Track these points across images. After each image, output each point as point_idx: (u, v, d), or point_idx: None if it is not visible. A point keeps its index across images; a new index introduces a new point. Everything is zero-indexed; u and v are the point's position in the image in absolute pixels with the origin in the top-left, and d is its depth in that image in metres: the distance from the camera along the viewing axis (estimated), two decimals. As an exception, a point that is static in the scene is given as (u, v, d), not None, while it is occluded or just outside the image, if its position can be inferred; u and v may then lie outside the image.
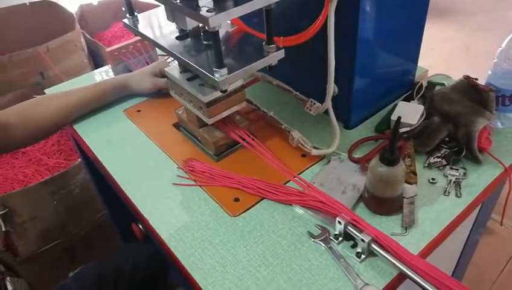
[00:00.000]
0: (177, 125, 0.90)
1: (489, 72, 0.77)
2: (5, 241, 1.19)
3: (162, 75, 0.97)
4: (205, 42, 0.73)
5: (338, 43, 0.70)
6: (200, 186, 0.75)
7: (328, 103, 0.75)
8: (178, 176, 0.78)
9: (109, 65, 1.11)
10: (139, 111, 0.95)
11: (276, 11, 0.64)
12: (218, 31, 0.59)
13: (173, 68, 0.81)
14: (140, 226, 0.86)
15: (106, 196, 1.20)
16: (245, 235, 0.66)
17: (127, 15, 0.80)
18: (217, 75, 0.63)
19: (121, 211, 0.89)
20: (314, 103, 0.78)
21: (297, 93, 0.82)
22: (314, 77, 0.82)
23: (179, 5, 0.62)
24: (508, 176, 0.72)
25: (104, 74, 1.12)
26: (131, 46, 1.09)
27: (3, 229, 1.15)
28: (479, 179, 0.71)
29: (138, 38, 1.08)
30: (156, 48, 1.01)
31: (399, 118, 0.59)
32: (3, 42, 1.84)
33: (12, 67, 1.56)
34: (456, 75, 0.93)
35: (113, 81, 0.97)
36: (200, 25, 0.74)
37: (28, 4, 1.92)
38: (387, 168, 0.62)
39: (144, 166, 0.82)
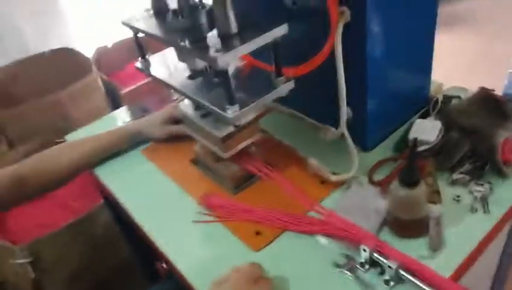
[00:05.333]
0: (194, 161, 0.91)
1: (506, 82, 0.76)
2: (33, 287, 1.21)
3: (175, 120, 0.97)
4: (216, 79, 0.74)
5: (347, 65, 0.70)
6: (221, 222, 0.75)
7: (343, 128, 0.75)
8: (198, 212, 0.78)
9: (126, 106, 1.14)
10: (155, 150, 0.97)
11: (282, 41, 0.65)
12: (227, 70, 0.60)
13: (187, 106, 0.82)
14: (164, 265, 0.86)
15: (129, 236, 1.21)
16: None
17: (139, 58, 0.83)
18: (229, 111, 0.64)
19: (144, 250, 0.90)
20: (329, 129, 0.78)
21: (311, 120, 0.82)
22: (326, 102, 0.81)
23: (188, 47, 0.63)
24: (537, 187, 0.69)
25: (121, 116, 1.15)
26: (145, 86, 1.11)
27: (33, 275, 1.17)
28: (506, 192, 0.68)
29: (152, 78, 1.11)
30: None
31: (415, 139, 0.58)
32: (26, 90, 1.92)
33: (35, 114, 1.61)
34: (473, 85, 0.91)
35: (126, 129, 0.98)
36: (209, 62, 0.76)
37: (47, 52, 2.00)
38: (407, 190, 0.61)
39: (164, 204, 0.82)
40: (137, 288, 1.35)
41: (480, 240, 0.62)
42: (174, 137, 0.96)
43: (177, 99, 1.13)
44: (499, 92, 0.77)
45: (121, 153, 0.98)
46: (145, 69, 0.82)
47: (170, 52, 0.85)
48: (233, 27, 0.62)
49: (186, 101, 0.84)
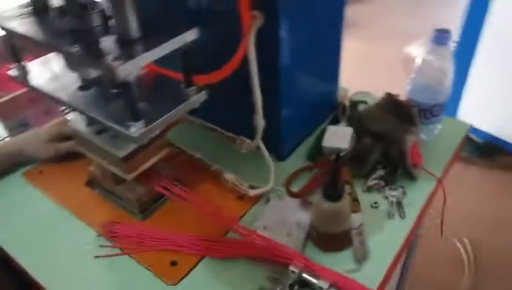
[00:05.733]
0: (90, 183, 0.79)
1: (408, 88, 0.79)
2: None
3: (64, 137, 0.83)
4: (114, 90, 0.64)
5: (259, 72, 0.65)
6: (128, 254, 0.65)
7: (258, 140, 0.70)
8: (100, 246, 0.67)
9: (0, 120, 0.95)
10: (41, 172, 0.82)
11: (192, 47, 0.58)
12: (129, 81, 0.51)
13: (78, 120, 0.70)
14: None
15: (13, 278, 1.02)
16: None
17: (13, 64, 0.68)
18: (132, 129, 0.55)
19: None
20: (244, 140, 0.73)
21: (224, 131, 0.76)
22: (238, 111, 0.76)
23: (79, 54, 0.53)
24: (442, 186, 0.73)
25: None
26: (24, 97, 0.94)
27: None
28: (417, 195, 0.71)
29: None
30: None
31: (338, 151, 0.56)
32: None
33: None
34: (362, 85, 0.95)
35: (4, 149, 0.81)
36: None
37: None
38: (332, 204, 0.59)
39: (55, 240, 0.69)
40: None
41: (400, 246, 0.63)
42: (64, 156, 0.82)
43: (64, 111, 0.98)
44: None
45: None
46: (22, 78, 0.68)
47: (56, 57, 0.72)
48: (135, 31, 0.53)
49: (77, 115, 0.71)
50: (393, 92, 0.81)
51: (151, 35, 0.55)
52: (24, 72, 0.68)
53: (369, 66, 2.68)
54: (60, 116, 0.95)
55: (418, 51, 2.70)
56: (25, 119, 0.94)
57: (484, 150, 1.94)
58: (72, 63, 0.63)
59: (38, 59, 0.72)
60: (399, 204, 0.68)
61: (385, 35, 3.05)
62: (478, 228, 1.64)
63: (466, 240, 1.58)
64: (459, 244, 1.57)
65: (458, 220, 1.64)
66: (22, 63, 0.68)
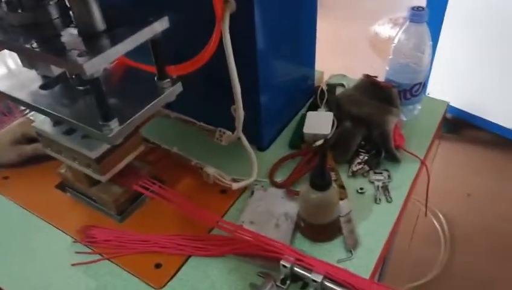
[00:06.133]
0: (61, 187, 0.74)
1: (387, 68, 0.77)
2: None
3: (28, 139, 0.78)
4: (80, 87, 0.59)
5: (235, 60, 0.62)
6: (108, 259, 0.62)
7: (239, 131, 0.67)
8: (76, 252, 0.63)
9: (-48, 124, 0.88)
10: (6, 178, 0.76)
11: (164, 37, 0.54)
12: (98, 78, 0.47)
13: (43, 121, 0.65)
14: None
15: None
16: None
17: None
18: (105, 129, 0.51)
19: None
20: (224, 132, 0.70)
21: (202, 123, 0.73)
22: (215, 102, 0.73)
23: (37, 51, 0.48)
24: (425, 167, 0.72)
25: None
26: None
27: None
28: (402, 178, 0.70)
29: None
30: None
31: (326, 140, 0.54)
32: None
33: None
34: (331, 64, 0.93)
35: None
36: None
37: None
38: (320, 194, 0.57)
39: (27, 249, 0.64)
40: None
41: (390, 232, 0.62)
42: (31, 159, 0.77)
43: (25, 110, 0.92)
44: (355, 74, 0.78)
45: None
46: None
47: (9, 54, 0.66)
48: (100, 23, 0.48)
49: (41, 115, 0.66)
50: (364, 71, 0.80)
51: (117, 27, 0.50)
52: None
53: (337, 47, 2.68)
54: (22, 117, 0.88)
55: (383, 29, 2.73)
56: (-18, 122, 0.87)
57: (452, 125, 1.98)
58: (29, 61, 0.58)
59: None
60: (385, 188, 0.68)
61: (350, 16, 3.04)
62: (449, 202, 1.68)
63: (441, 215, 1.62)
64: (435, 221, 1.61)
65: (431, 196, 1.67)
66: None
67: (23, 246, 0.65)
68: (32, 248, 0.65)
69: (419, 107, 0.81)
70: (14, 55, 0.63)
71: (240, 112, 0.65)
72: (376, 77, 0.78)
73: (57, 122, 0.64)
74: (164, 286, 0.58)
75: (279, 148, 0.78)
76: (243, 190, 0.70)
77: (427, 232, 1.59)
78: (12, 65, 0.65)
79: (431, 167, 0.72)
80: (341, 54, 2.54)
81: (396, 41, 0.74)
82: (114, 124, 0.51)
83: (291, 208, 0.65)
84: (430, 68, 1.82)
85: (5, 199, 0.72)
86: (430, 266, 1.49)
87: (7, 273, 0.61)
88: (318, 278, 0.53)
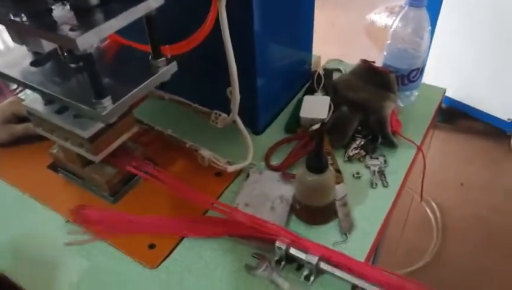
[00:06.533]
0: (53, 167, 0.73)
1: (385, 54, 0.77)
2: None
3: (19, 118, 0.76)
4: (73, 65, 0.58)
5: (232, 43, 0.61)
6: (102, 239, 0.61)
7: (235, 114, 0.66)
8: (69, 232, 0.62)
9: None
10: (-2, 158, 0.75)
11: (159, 15, 0.52)
12: (91, 53, 0.45)
13: (34, 100, 0.63)
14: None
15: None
16: (173, 289, 0.55)
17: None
18: (99, 107, 0.50)
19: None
20: (219, 115, 0.69)
21: (197, 105, 0.72)
22: (210, 84, 0.72)
23: (27, 25, 0.46)
24: (422, 154, 0.72)
25: None
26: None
27: None
28: (398, 163, 0.70)
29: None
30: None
31: (323, 122, 0.53)
32: None
33: None
34: (327, 53, 0.92)
35: None
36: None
37: None
38: (317, 177, 0.57)
39: (20, 229, 0.64)
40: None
41: (385, 216, 0.62)
42: (22, 139, 0.75)
43: (16, 90, 0.90)
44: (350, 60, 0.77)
45: None
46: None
47: None
48: (93, -4, 0.47)
49: (32, 94, 0.65)
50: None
51: (111, 2, 0.49)
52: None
53: (332, 35, 2.66)
54: (12, 96, 0.87)
55: (380, 18, 2.71)
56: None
57: (447, 115, 1.99)
58: (19, 36, 0.56)
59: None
60: (381, 173, 0.67)
61: (346, 4, 3.02)
62: (443, 191, 1.69)
63: (434, 204, 1.63)
64: (427, 210, 1.62)
65: (425, 184, 1.68)
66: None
67: (16, 225, 0.64)
68: (25, 227, 0.64)
69: (417, 94, 0.81)
70: (4, 31, 0.61)
71: (236, 94, 0.64)
72: (373, 62, 0.77)
73: (48, 101, 0.62)
74: (158, 266, 0.57)
75: (275, 132, 0.77)
76: (238, 173, 0.69)
77: (419, 221, 1.60)
78: (0, 43, 0.64)
79: (426, 156, 0.71)
80: (337, 42, 2.52)
81: (394, 26, 0.73)
82: (107, 102, 0.50)
83: (287, 191, 0.65)
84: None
85: (-5, 179, 0.71)
86: (421, 253, 1.51)
87: (1, 253, 0.60)
88: (313, 260, 0.53)
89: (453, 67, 1.85)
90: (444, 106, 1.97)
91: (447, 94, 1.92)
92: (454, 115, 1.98)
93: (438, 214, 1.60)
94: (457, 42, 1.78)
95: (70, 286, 0.56)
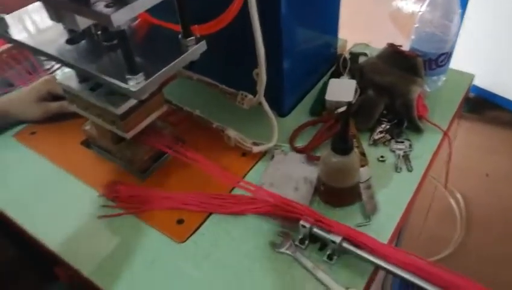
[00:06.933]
0: (86, 143, 0.75)
1: (412, 37, 0.76)
2: None
3: (53, 96, 0.79)
4: (106, 43, 0.59)
5: (259, 23, 0.61)
6: (132, 213, 0.63)
7: (261, 95, 0.67)
8: (102, 205, 0.65)
9: (-20, 81, 0.90)
10: (33, 133, 0.78)
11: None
12: (124, 30, 0.47)
13: (69, 78, 0.66)
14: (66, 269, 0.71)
15: (13, 238, 1.00)
16: (200, 262, 0.57)
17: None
18: (131, 83, 0.51)
19: (36, 252, 0.73)
20: (246, 96, 0.70)
21: (224, 86, 0.73)
22: (237, 65, 0.73)
23: (64, 0, 0.48)
24: (448, 139, 0.72)
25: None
26: (4, 55, 0.88)
27: None
28: (424, 148, 0.69)
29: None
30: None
31: (349, 103, 0.53)
32: None
33: None
34: (352, 40, 0.91)
35: None
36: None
37: None
38: (342, 158, 0.57)
39: (56, 200, 0.67)
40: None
41: (409, 200, 0.62)
42: (56, 116, 0.78)
43: (50, 69, 0.93)
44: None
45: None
46: (3, 33, 0.62)
47: (36, 10, 0.66)
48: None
49: (67, 72, 0.67)
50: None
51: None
52: (3, 26, 0.62)
53: (357, 22, 2.62)
54: (46, 74, 0.90)
55: (406, 4, 2.65)
56: (8, 79, 0.89)
57: (473, 104, 1.94)
58: (57, 13, 0.58)
59: (16, 12, 0.66)
60: (406, 157, 0.67)
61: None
62: (468, 182, 1.67)
63: (458, 195, 1.61)
64: (451, 200, 1.60)
65: (449, 175, 1.66)
66: (1, 15, 0.63)
67: (52, 197, 0.67)
68: (60, 200, 0.67)
69: (444, 79, 0.80)
70: (41, 11, 0.64)
71: (262, 75, 0.64)
72: (400, 46, 0.76)
73: (82, 78, 0.65)
74: (186, 240, 0.59)
75: (300, 115, 0.78)
76: (263, 153, 0.71)
77: (443, 211, 1.58)
78: (37, 21, 0.66)
79: (451, 143, 0.71)
80: (362, 29, 2.48)
81: (423, 8, 0.72)
82: (140, 79, 0.51)
83: (311, 172, 0.66)
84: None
85: (33, 152, 0.74)
86: (444, 244, 1.49)
87: (37, 221, 0.64)
88: (337, 239, 0.54)
89: (481, 54, 1.80)
90: (470, 95, 1.93)
91: (474, 82, 1.88)
92: (481, 105, 1.93)
93: (462, 204, 1.58)
94: (488, 26, 1.72)
95: (100, 256, 0.59)
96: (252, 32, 0.61)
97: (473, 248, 1.48)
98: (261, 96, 0.68)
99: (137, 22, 0.67)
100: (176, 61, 0.56)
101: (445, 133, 0.71)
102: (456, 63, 1.82)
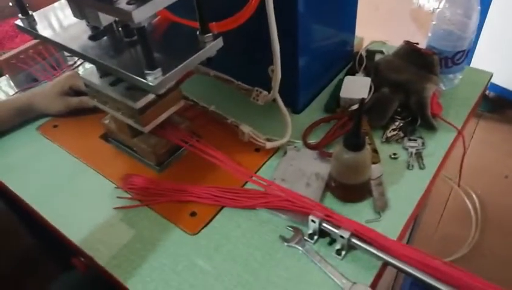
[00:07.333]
0: (105, 137, 0.78)
1: (429, 35, 0.76)
2: None
3: (75, 92, 0.82)
4: (126, 39, 0.62)
5: (276, 21, 0.62)
6: (147, 205, 0.66)
7: (275, 92, 0.68)
8: (118, 197, 0.67)
9: (7, 75, 0.93)
10: (56, 126, 0.81)
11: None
12: (144, 26, 0.49)
13: (91, 73, 0.68)
14: (82, 259, 0.74)
15: (32, 226, 1.04)
16: (211, 254, 0.59)
17: (20, 15, 0.65)
18: (150, 78, 0.53)
19: (54, 241, 0.76)
20: (260, 92, 0.71)
21: (240, 82, 0.74)
22: (253, 62, 0.74)
23: (89, -1, 0.50)
24: (462, 138, 0.71)
25: (3, 87, 0.94)
26: (31, 50, 0.92)
27: None
28: (437, 146, 0.69)
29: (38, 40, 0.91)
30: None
31: (363, 99, 0.54)
32: None
33: None
34: (370, 37, 0.91)
35: (13, 103, 0.80)
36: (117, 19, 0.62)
37: None
38: (353, 154, 0.58)
39: (74, 191, 0.69)
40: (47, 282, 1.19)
41: (420, 198, 0.62)
42: (77, 110, 0.81)
43: (73, 65, 0.96)
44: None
45: (8, 132, 0.80)
46: (31, 29, 0.65)
47: (60, 7, 0.69)
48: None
49: (89, 68, 0.69)
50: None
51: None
52: (31, 22, 0.65)
53: (375, 18, 2.59)
54: (69, 70, 0.93)
55: (427, 2, 2.61)
56: (32, 74, 0.92)
57: (493, 104, 1.91)
58: (80, 10, 0.60)
59: (42, 9, 0.69)
60: (418, 155, 0.68)
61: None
62: (486, 183, 1.64)
63: (474, 195, 1.59)
64: (467, 200, 1.58)
65: (466, 175, 1.64)
66: (30, 12, 0.65)
67: (71, 187, 0.70)
68: (79, 190, 0.70)
69: (460, 77, 0.79)
70: (66, 9, 0.66)
71: (277, 72, 0.65)
72: (417, 44, 0.76)
73: (103, 74, 0.67)
74: (198, 232, 0.61)
75: (314, 112, 0.79)
76: (276, 149, 0.72)
77: (458, 212, 1.57)
78: (61, 18, 0.68)
79: (468, 146, 0.71)
80: (380, 26, 2.46)
81: (441, 5, 0.72)
82: (158, 73, 0.53)
83: (323, 168, 0.67)
84: (477, 38, 1.72)
85: (54, 144, 0.77)
86: (458, 245, 1.48)
87: (56, 211, 0.66)
88: (346, 234, 0.55)
89: (504, 52, 1.76)
90: (491, 94, 1.89)
91: (495, 81, 1.83)
92: (501, 104, 1.90)
93: (477, 205, 1.56)
94: (510, 29, 1.69)
95: (116, 246, 0.61)
96: (268, 29, 0.62)
97: (488, 250, 1.46)
98: (275, 93, 0.69)
99: (157, 19, 0.69)
100: (193, 57, 0.57)
101: (460, 132, 0.71)
102: (478, 61, 1.80)
